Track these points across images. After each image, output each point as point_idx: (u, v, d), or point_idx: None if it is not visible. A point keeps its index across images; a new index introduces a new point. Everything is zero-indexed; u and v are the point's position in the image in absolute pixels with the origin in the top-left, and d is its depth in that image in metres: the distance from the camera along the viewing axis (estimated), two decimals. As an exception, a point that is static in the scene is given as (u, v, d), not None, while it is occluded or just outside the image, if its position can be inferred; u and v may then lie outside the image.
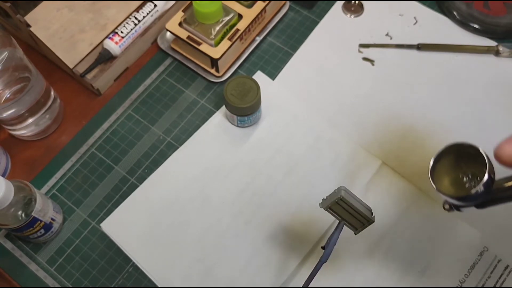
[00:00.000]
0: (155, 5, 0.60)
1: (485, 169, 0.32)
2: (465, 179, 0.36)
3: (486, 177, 0.32)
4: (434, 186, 0.36)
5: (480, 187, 0.32)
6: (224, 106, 0.56)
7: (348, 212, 0.40)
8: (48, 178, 0.54)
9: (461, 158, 0.36)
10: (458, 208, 0.40)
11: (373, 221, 0.40)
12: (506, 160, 0.31)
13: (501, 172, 0.34)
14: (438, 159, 0.37)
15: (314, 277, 0.41)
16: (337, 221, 0.41)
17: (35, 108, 0.52)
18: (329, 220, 0.51)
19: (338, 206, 0.40)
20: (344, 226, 0.41)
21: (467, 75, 0.60)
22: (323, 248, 0.42)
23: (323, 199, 0.41)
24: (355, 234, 0.41)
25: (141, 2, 0.60)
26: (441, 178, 0.36)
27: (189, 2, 0.59)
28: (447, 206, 0.41)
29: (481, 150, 0.33)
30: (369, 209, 0.41)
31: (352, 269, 0.49)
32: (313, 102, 0.58)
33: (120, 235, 0.51)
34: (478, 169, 0.33)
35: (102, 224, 0.51)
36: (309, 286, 0.41)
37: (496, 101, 0.58)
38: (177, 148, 0.56)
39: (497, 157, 0.31)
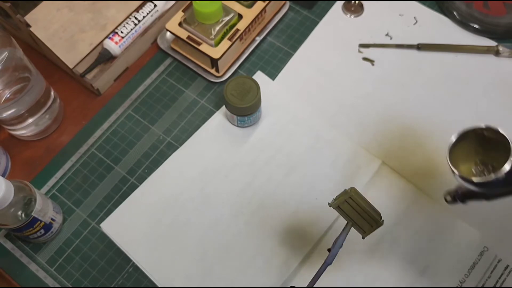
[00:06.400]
0: (155, 5, 0.60)
1: (507, 156, 0.30)
2: (479, 167, 0.34)
3: (509, 164, 0.29)
4: (455, 171, 0.33)
5: (502, 174, 0.29)
6: (224, 106, 0.56)
7: (357, 212, 0.39)
8: (48, 178, 0.54)
9: (479, 144, 0.33)
10: (463, 200, 0.37)
11: (381, 224, 0.39)
12: None
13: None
14: (455, 143, 0.34)
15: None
16: (344, 224, 0.40)
17: (35, 108, 0.52)
18: (329, 220, 0.51)
19: (347, 206, 0.39)
20: (352, 228, 0.40)
21: (467, 75, 0.60)
22: (329, 250, 0.41)
23: (333, 199, 0.41)
24: (363, 238, 0.40)
25: (141, 2, 0.60)
26: (457, 164, 0.34)
27: (189, 2, 0.59)
28: (449, 198, 0.39)
29: (506, 135, 0.31)
30: (378, 213, 0.40)
31: (352, 269, 0.49)
32: (313, 102, 0.58)
33: (120, 235, 0.51)
34: (494, 157, 0.31)
35: (102, 224, 0.51)
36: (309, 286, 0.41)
37: (496, 101, 0.58)
38: (177, 148, 0.56)
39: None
